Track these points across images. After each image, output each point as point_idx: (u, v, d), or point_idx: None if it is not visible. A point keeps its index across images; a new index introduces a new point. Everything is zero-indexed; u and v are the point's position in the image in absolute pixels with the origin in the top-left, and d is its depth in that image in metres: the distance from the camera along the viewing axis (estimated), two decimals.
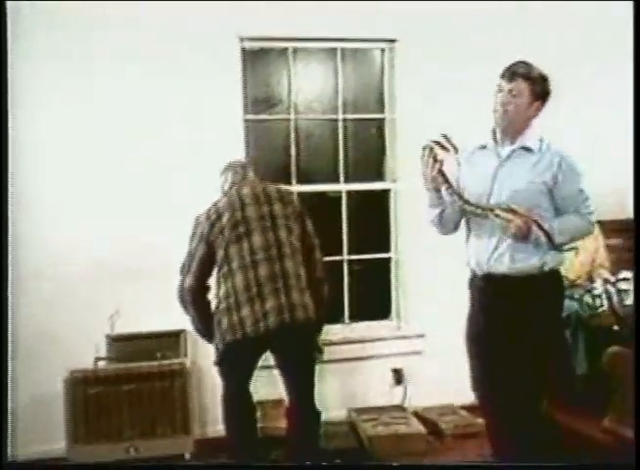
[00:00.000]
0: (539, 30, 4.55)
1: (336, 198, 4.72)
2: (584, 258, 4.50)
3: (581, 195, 3.03)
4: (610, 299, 4.25)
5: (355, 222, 4.75)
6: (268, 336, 3.27)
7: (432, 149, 2.99)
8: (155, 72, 4.18)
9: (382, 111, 4.76)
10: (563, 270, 3.18)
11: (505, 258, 2.99)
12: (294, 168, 4.62)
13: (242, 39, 4.38)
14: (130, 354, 4.09)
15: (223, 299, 3.33)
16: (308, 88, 4.69)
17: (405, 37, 4.57)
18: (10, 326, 3.46)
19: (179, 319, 3.63)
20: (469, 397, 3.29)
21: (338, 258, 4.68)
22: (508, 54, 3.10)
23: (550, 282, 3.04)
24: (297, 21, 4.34)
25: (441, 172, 3.00)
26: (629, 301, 4.19)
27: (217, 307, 3.37)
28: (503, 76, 2.99)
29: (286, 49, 4.59)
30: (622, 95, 3.97)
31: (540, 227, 2.86)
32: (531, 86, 2.96)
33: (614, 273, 4.44)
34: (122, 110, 4.17)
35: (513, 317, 2.95)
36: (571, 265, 4.37)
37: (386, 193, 4.77)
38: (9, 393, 3.40)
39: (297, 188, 4.40)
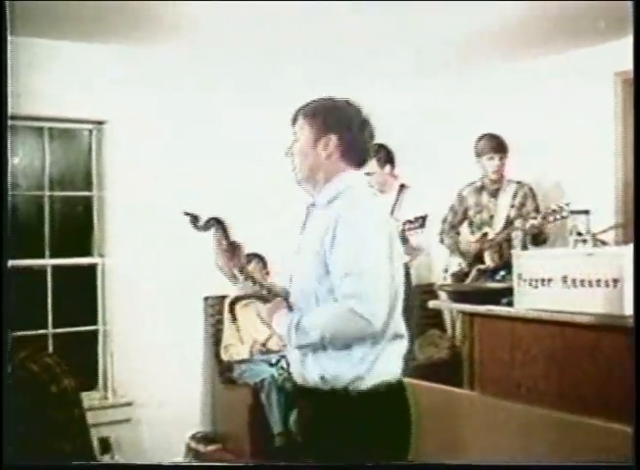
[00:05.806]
0: None
1: (41, 271, 4.77)
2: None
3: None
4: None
5: (61, 296, 4.82)
6: None
7: None
8: None
9: (89, 188, 4.95)
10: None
11: None
12: None
13: None
14: None
15: None
16: (15, 165, 4.74)
17: (114, 118, 4.82)
18: None
19: None
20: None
21: (42, 331, 4.71)
22: None
23: None
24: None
25: None
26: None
27: None
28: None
29: None
30: None
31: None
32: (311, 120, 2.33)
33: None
34: None
35: None
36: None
37: (93, 267, 4.93)
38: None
39: None
